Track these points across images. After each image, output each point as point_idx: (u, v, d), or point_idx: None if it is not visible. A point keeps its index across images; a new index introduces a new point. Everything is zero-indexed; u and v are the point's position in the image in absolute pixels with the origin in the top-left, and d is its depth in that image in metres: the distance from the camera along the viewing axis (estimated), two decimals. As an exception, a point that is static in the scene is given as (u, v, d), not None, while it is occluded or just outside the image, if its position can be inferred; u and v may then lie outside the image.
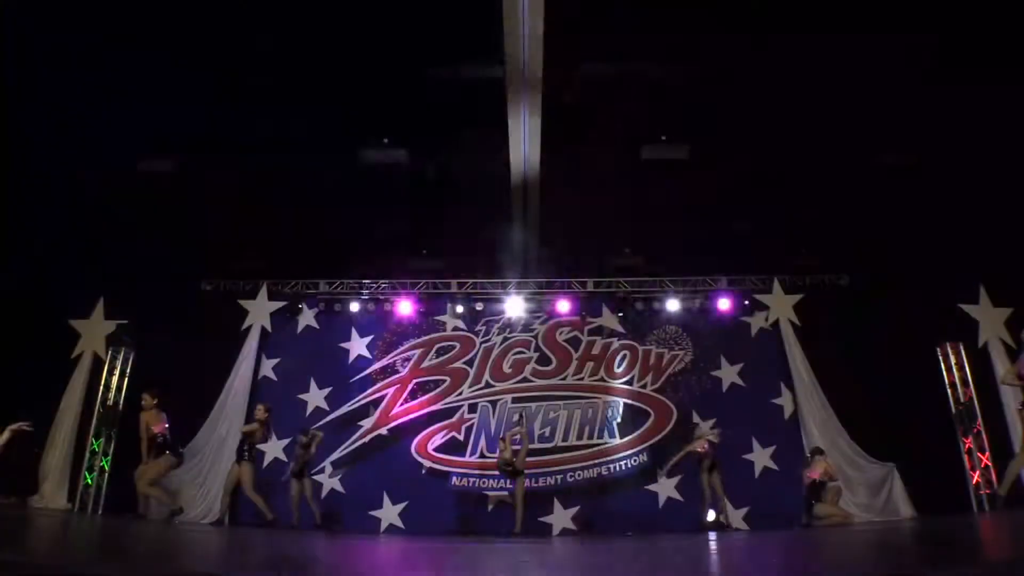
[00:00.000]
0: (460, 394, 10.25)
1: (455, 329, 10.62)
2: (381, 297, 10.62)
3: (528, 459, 9.01)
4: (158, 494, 7.89)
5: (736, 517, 9.08)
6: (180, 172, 8.00)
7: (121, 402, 9.72)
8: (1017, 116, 6.82)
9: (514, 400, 10.15)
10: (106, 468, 9.47)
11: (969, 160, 7.81)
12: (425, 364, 10.44)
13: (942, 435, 9.19)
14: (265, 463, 9.77)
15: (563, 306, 10.46)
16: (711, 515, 8.75)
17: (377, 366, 10.40)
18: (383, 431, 10.02)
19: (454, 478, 9.78)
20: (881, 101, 7.02)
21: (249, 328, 10.23)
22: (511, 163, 7.72)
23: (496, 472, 9.23)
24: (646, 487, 9.65)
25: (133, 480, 7.93)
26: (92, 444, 9.43)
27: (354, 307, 10.57)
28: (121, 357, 9.92)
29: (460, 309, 10.55)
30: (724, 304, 10.41)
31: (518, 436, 8.89)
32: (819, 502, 8.14)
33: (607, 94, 7.08)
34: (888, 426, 8.97)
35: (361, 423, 10.08)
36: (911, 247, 9.47)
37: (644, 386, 10.18)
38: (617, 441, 9.90)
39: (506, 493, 9.30)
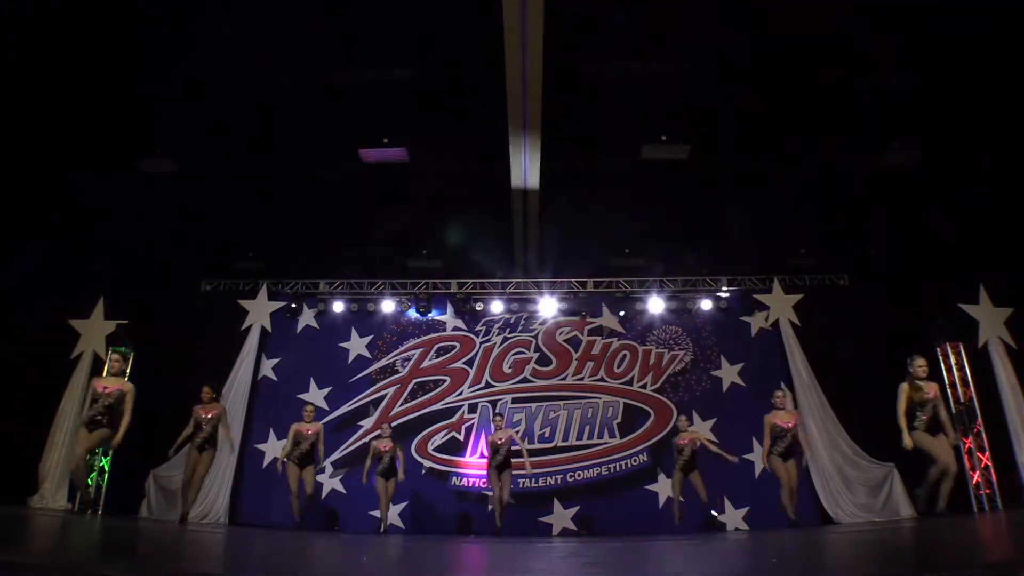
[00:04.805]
0: (460, 394, 10.25)
1: (455, 329, 10.63)
2: (381, 297, 10.62)
3: (528, 459, 8.95)
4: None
5: (736, 517, 9.09)
6: (181, 171, 7.99)
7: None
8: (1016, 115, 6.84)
9: (514, 400, 10.16)
10: (106, 468, 9.47)
11: (970, 160, 7.82)
12: (425, 364, 10.44)
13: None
14: (265, 463, 9.79)
15: (563, 306, 10.48)
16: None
17: (377, 366, 10.41)
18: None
19: (454, 478, 9.77)
20: (881, 99, 7.02)
21: (249, 328, 10.24)
22: (511, 166, 7.71)
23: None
24: (646, 487, 9.66)
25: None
26: (92, 444, 9.42)
27: (354, 307, 10.58)
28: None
29: (459, 311, 10.56)
30: (724, 304, 10.42)
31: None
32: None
33: (607, 95, 7.08)
34: (888, 426, 8.94)
35: (361, 423, 10.08)
36: (911, 247, 9.49)
37: (644, 386, 10.18)
38: (617, 441, 9.90)
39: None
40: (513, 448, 8.56)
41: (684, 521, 8.37)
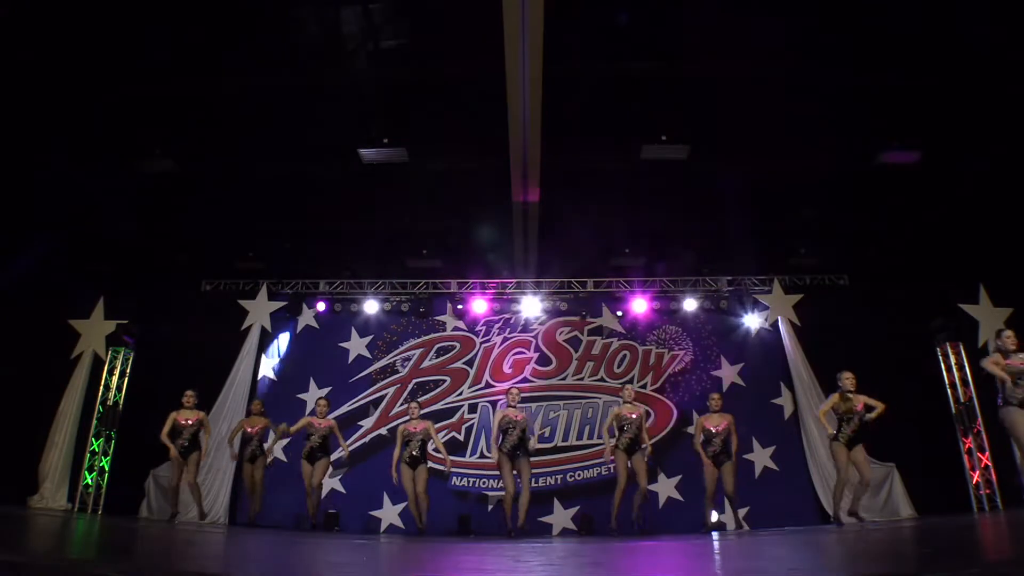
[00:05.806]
0: (460, 394, 10.25)
1: (455, 329, 10.62)
2: (381, 297, 10.62)
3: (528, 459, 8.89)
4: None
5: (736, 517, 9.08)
6: (181, 171, 7.99)
7: (121, 402, 9.73)
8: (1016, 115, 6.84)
9: (514, 400, 10.14)
10: (106, 468, 9.47)
11: (970, 160, 7.82)
12: (425, 364, 10.44)
13: (942, 435, 9.19)
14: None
15: (563, 306, 10.48)
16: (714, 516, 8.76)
17: (377, 366, 10.40)
18: (383, 431, 10.02)
19: (454, 478, 9.77)
20: (881, 99, 7.02)
21: (249, 328, 10.24)
22: (511, 166, 7.71)
23: (496, 472, 9.18)
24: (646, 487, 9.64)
25: (170, 481, 8.03)
26: (92, 444, 9.44)
27: (354, 307, 10.58)
28: (121, 357, 9.92)
29: (460, 308, 10.55)
30: (723, 304, 10.42)
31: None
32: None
33: (607, 95, 7.08)
34: (888, 426, 8.95)
35: (361, 423, 10.08)
36: (911, 247, 9.49)
37: (644, 386, 10.18)
38: (617, 441, 9.88)
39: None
40: (529, 438, 7.62)
41: (684, 521, 8.35)
